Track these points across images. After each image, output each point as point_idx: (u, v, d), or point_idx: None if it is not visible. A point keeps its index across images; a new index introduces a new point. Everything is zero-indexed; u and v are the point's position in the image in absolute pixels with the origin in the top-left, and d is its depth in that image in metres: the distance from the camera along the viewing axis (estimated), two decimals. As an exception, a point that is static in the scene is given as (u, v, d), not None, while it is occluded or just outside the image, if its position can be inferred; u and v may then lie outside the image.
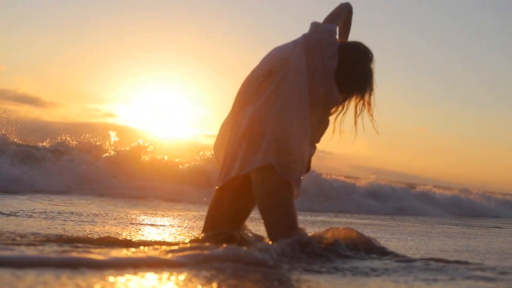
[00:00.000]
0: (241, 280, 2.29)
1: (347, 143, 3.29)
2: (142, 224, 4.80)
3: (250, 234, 3.23)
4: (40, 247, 2.72)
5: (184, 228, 4.68)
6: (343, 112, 3.30)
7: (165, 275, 2.24)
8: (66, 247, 2.78)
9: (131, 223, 4.74)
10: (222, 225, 3.14)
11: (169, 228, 4.61)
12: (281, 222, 2.94)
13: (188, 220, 5.61)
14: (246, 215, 3.24)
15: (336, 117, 3.30)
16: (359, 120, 3.29)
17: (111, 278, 2.08)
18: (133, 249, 2.81)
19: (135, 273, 2.23)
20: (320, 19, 3.27)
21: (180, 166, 11.13)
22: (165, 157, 11.08)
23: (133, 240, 3.27)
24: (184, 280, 2.17)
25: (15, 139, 9.89)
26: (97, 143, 10.65)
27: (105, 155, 10.30)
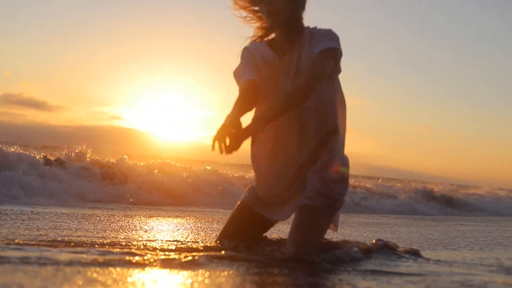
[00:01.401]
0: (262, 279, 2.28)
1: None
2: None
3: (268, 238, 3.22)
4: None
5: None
6: None
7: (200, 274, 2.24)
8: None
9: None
10: (242, 233, 3.09)
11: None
12: (308, 250, 2.85)
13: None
14: (268, 228, 3.22)
15: None
16: None
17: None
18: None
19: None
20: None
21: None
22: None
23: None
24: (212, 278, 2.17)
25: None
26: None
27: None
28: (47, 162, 9.26)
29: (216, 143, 2.60)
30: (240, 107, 2.83)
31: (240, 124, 2.67)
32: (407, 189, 14.60)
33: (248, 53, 3.06)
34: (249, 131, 2.66)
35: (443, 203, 14.20)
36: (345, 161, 3.00)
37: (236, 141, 2.61)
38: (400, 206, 12.77)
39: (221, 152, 2.60)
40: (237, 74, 3.05)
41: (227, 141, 2.60)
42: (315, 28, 3.00)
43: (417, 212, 12.44)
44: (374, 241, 3.36)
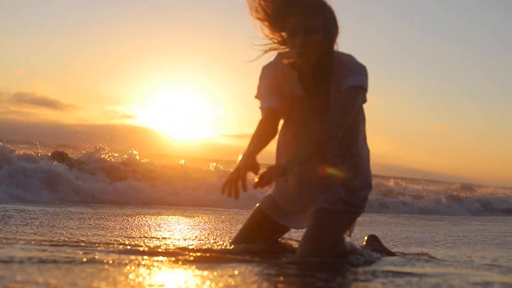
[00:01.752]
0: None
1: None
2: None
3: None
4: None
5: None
6: None
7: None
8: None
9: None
10: (258, 238, 3.07)
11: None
12: (323, 252, 2.83)
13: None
14: (283, 233, 3.20)
15: None
16: None
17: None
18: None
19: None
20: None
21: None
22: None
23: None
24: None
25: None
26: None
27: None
28: (63, 161, 9.33)
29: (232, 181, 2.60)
30: (257, 141, 2.82)
31: (256, 165, 2.68)
32: (428, 189, 14.52)
33: (272, 74, 2.95)
34: (282, 171, 2.65)
35: (474, 203, 14.03)
36: (367, 176, 2.99)
37: (267, 179, 2.62)
38: (429, 207, 12.70)
39: (230, 196, 2.60)
40: (260, 96, 2.95)
41: (255, 179, 2.61)
42: (341, 55, 2.87)
43: (449, 213, 12.34)
44: (366, 238, 3.37)
